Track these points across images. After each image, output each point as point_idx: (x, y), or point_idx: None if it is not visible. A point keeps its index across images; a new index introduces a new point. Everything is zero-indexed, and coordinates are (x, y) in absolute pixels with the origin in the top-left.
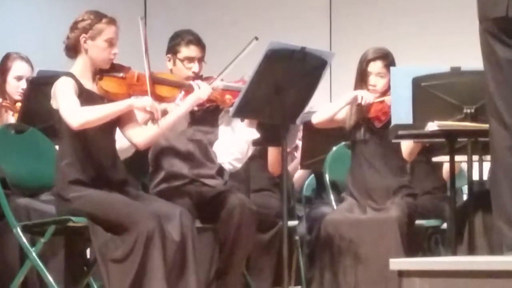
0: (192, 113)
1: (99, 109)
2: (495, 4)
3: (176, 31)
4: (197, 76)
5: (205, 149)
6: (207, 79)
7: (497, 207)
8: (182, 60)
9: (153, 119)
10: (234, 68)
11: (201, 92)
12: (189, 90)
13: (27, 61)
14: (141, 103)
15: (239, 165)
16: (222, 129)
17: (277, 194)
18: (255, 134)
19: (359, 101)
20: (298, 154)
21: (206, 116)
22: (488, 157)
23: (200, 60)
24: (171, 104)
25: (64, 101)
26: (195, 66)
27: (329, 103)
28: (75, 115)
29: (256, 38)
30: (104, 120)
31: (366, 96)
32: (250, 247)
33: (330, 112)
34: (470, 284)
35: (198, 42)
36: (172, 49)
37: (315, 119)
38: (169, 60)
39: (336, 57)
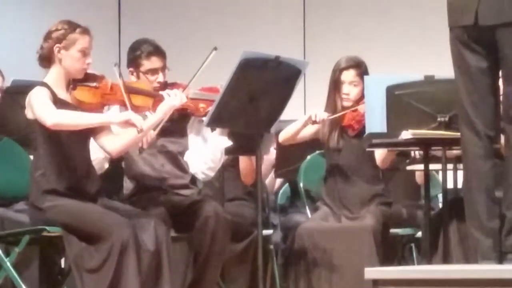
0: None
1: (76, 115)
2: (464, 12)
3: (133, 43)
4: (163, 85)
5: (176, 159)
6: (173, 85)
7: (471, 216)
8: (145, 73)
9: (138, 131)
10: (208, 78)
11: (174, 100)
12: (160, 99)
13: None
14: (122, 117)
15: (212, 174)
16: (192, 138)
17: (251, 203)
18: (227, 142)
19: (313, 119)
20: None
21: (174, 126)
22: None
23: (163, 69)
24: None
25: (40, 105)
26: (159, 77)
27: (291, 124)
28: (51, 114)
29: (215, 48)
30: (78, 127)
31: (319, 114)
32: (225, 256)
33: (291, 132)
34: None
35: (158, 51)
36: (133, 63)
37: (280, 138)
38: (132, 74)
39: (310, 66)
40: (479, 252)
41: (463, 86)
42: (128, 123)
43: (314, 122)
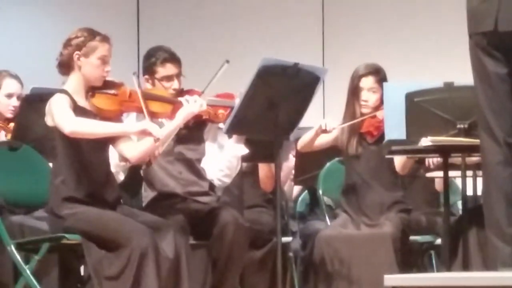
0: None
1: (94, 124)
2: (484, 18)
3: (149, 50)
4: (179, 91)
5: (194, 166)
6: (189, 92)
7: (490, 222)
8: (160, 80)
9: (155, 140)
10: (227, 86)
11: (194, 106)
12: (179, 106)
13: (17, 78)
14: (139, 126)
15: (228, 181)
16: (209, 145)
17: (270, 210)
18: (244, 150)
19: (323, 128)
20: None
21: (191, 133)
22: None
23: (178, 75)
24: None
25: (60, 112)
26: (174, 84)
27: (307, 132)
28: (69, 121)
29: (227, 61)
30: (96, 136)
31: (329, 123)
32: (243, 263)
33: (306, 140)
34: None
35: (173, 58)
36: (148, 70)
37: (298, 145)
38: (147, 81)
39: (329, 73)
40: (498, 259)
41: (483, 93)
42: (145, 133)
43: (324, 131)
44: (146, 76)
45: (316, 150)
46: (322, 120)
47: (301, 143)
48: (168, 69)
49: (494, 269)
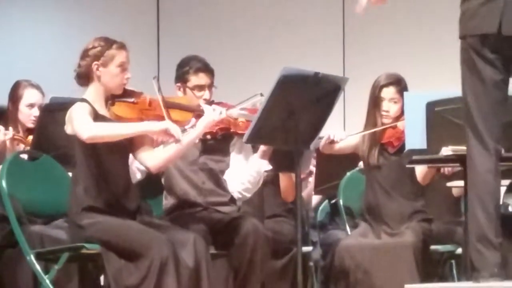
0: (203, 141)
1: (113, 126)
2: (486, 20)
3: (183, 58)
4: (209, 103)
5: (217, 177)
6: (219, 104)
7: (477, 232)
8: (192, 89)
9: (175, 140)
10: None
11: (214, 114)
12: (200, 114)
13: (38, 88)
14: (160, 126)
15: (248, 195)
16: (234, 156)
17: (291, 220)
18: (267, 166)
19: (331, 138)
20: (312, 180)
21: (218, 144)
22: (504, 181)
23: (210, 86)
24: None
25: (79, 119)
26: (206, 94)
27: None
28: (87, 127)
29: (261, 95)
30: (117, 138)
31: (337, 135)
32: (264, 273)
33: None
34: None
35: (206, 68)
36: (181, 78)
37: (321, 145)
38: (179, 89)
39: (349, 82)
40: (485, 269)
41: (474, 99)
42: (166, 133)
43: (332, 142)
44: (178, 84)
45: (336, 154)
46: (330, 132)
47: (323, 143)
48: (201, 78)
49: (477, 277)
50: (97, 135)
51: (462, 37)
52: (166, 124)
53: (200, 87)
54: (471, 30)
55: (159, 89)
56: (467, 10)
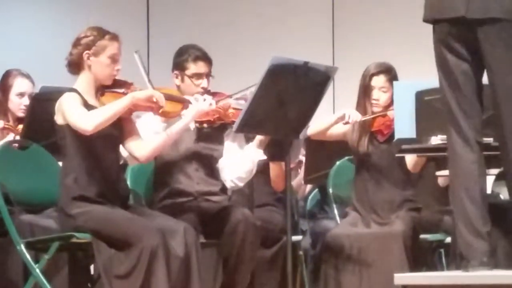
0: (199, 129)
1: (106, 109)
2: (452, 3)
3: (182, 47)
4: (206, 92)
5: (210, 165)
6: (215, 94)
7: (464, 221)
8: (190, 77)
9: (158, 107)
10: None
11: (203, 104)
12: (188, 104)
13: (28, 77)
14: (146, 93)
15: (241, 184)
16: (227, 145)
17: (280, 209)
18: (262, 156)
19: (346, 119)
20: (302, 169)
21: (213, 133)
22: (492, 171)
23: (208, 75)
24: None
25: (73, 112)
26: (204, 82)
27: (323, 118)
28: (87, 120)
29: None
30: (114, 118)
31: (353, 115)
32: (254, 262)
33: (321, 127)
34: None
35: (205, 57)
36: (179, 66)
37: (309, 131)
38: (177, 77)
39: (339, 72)
40: (473, 257)
41: (450, 92)
42: (150, 100)
43: (347, 123)
44: (176, 72)
45: (326, 140)
46: (346, 111)
47: (314, 129)
48: (200, 67)
49: (466, 266)
50: (99, 122)
51: (432, 25)
52: (151, 91)
53: (199, 76)
54: (436, 14)
55: (142, 63)
56: None
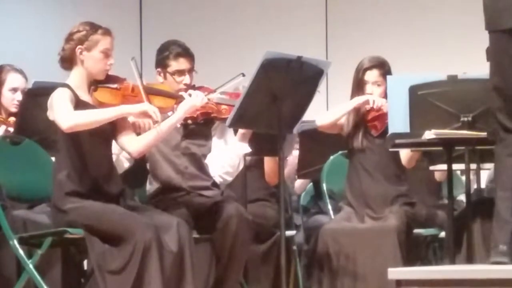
0: (185, 126)
1: (91, 113)
2: (501, 15)
3: (163, 43)
4: (190, 87)
5: (199, 162)
6: (199, 88)
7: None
8: (172, 74)
9: (154, 122)
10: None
11: (195, 100)
12: (181, 100)
13: (21, 72)
14: (138, 108)
15: (229, 179)
16: (215, 142)
17: (274, 204)
18: (247, 149)
19: (370, 104)
20: (290, 159)
21: (200, 129)
22: (486, 165)
23: (190, 71)
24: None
25: (58, 107)
26: (186, 78)
27: (336, 106)
28: (67, 117)
29: (243, 75)
30: (96, 124)
31: (377, 100)
32: (247, 257)
33: (338, 114)
34: None
35: (186, 53)
36: (161, 63)
37: (320, 121)
38: (159, 74)
39: (332, 66)
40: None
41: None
42: (145, 114)
43: (371, 108)
44: (159, 69)
45: (329, 132)
46: (369, 96)
47: (327, 120)
48: (181, 63)
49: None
50: (76, 123)
51: (490, 32)
52: (145, 106)
53: (180, 72)
54: (491, 26)
55: (138, 70)
56: (486, 5)
